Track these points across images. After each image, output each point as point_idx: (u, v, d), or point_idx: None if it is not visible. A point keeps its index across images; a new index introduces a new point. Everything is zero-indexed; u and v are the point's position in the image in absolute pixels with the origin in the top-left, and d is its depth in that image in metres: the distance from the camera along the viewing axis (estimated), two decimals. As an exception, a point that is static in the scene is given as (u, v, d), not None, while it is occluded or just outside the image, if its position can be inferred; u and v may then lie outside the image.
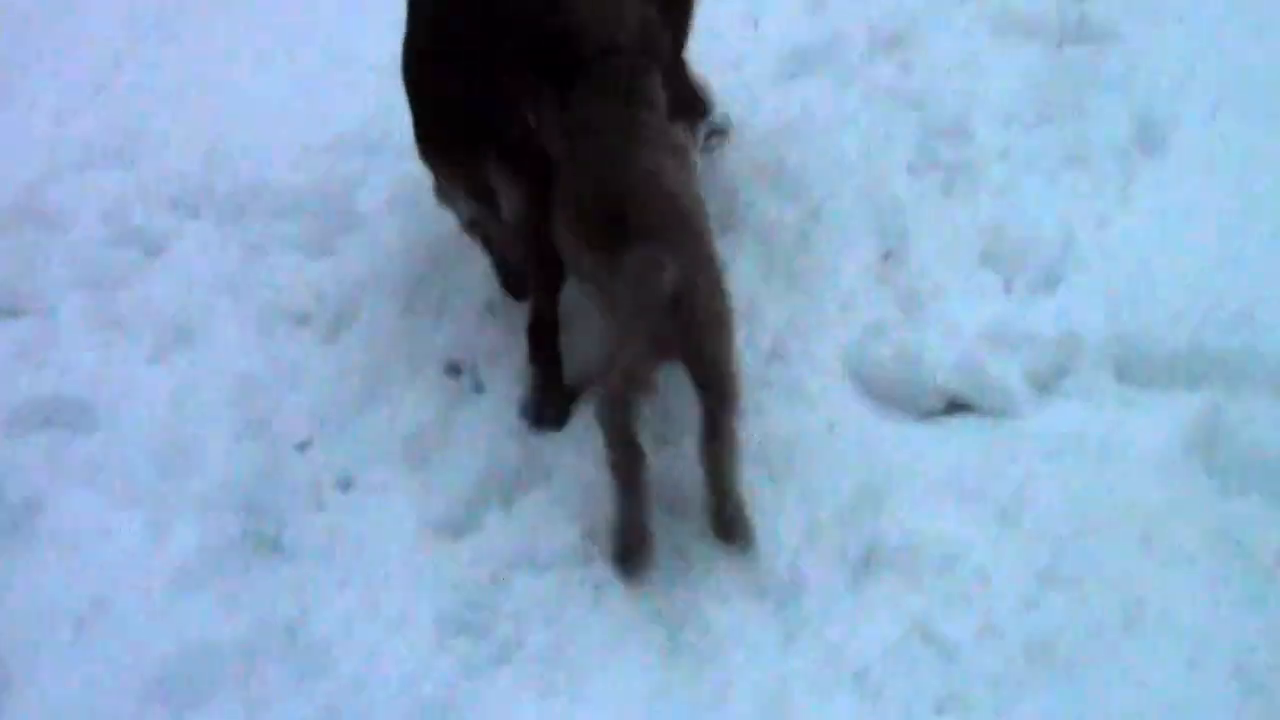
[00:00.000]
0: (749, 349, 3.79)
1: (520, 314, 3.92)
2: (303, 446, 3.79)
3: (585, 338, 3.78)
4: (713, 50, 4.57)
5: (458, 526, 3.56)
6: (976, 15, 4.74)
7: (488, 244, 3.96)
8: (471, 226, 3.87)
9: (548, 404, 3.74)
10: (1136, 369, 3.67)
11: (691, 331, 3.17)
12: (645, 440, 3.32)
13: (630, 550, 3.38)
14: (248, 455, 3.76)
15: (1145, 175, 4.14)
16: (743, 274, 3.95)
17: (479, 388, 3.86)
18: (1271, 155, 4.13)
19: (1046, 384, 3.66)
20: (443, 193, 3.79)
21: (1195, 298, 3.76)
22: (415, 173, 4.35)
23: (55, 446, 3.86)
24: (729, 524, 3.40)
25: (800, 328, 3.83)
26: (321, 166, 4.43)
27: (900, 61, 4.59)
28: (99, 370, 4.02)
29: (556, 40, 3.49)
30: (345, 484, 3.69)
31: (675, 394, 3.44)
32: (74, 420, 3.92)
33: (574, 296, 3.71)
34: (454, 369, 3.91)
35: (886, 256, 4.00)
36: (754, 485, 3.50)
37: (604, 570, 3.43)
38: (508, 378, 3.84)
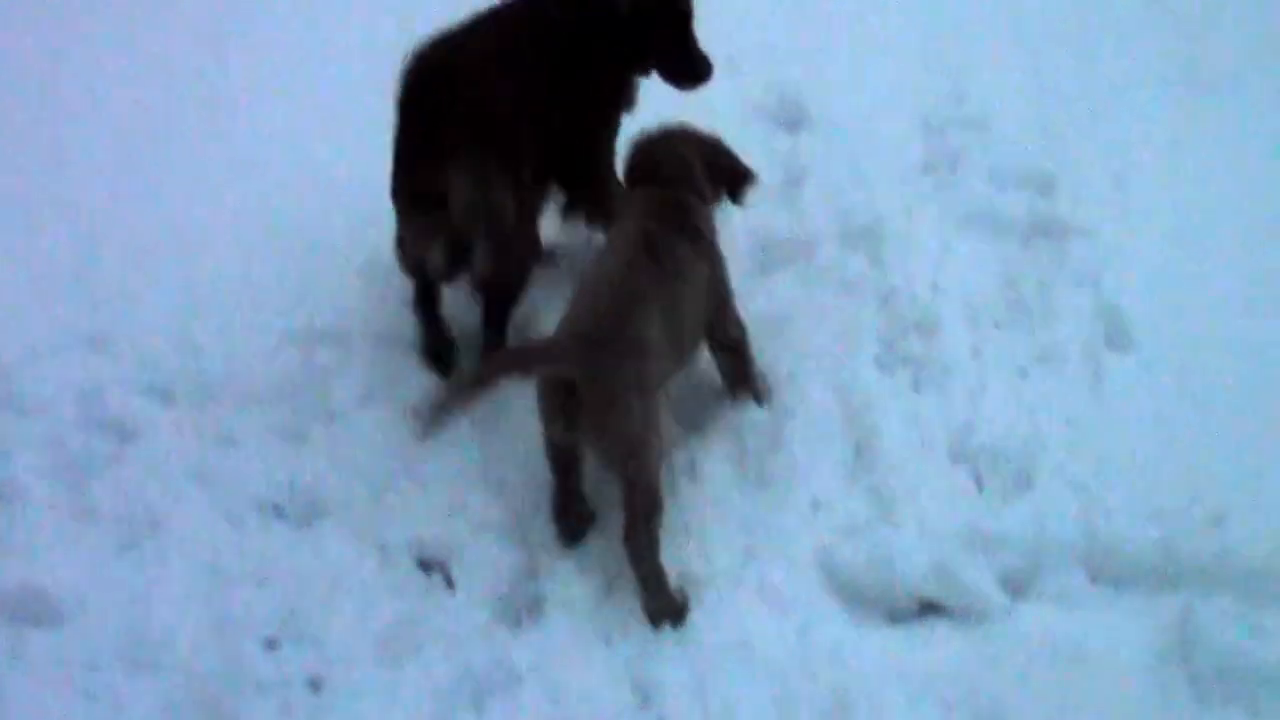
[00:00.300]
0: (722, 549, 3.81)
1: (496, 506, 3.96)
2: (271, 644, 3.72)
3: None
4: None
5: (428, 732, 3.51)
6: (945, 210, 4.84)
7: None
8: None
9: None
10: (1110, 570, 3.69)
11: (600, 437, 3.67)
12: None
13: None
14: (214, 652, 3.69)
15: (1114, 373, 4.21)
16: (715, 474, 3.99)
17: (450, 584, 3.84)
18: (1240, 354, 4.21)
19: (1021, 586, 3.67)
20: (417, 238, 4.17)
21: (1166, 498, 3.81)
22: (390, 364, 4.40)
23: (17, 639, 3.77)
24: (655, 614, 3.69)
25: (773, 528, 3.84)
26: (296, 356, 4.42)
27: (870, 255, 4.67)
28: (66, 560, 3.94)
29: None
30: (314, 684, 3.63)
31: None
32: (38, 612, 3.83)
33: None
34: (426, 564, 3.89)
35: (858, 454, 4.03)
36: (728, 689, 3.49)
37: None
38: (480, 574, 3.82)
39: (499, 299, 4.27)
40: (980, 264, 4.63)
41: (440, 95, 4.07)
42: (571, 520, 3.89)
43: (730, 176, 4.24)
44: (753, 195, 4.33)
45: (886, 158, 5.11)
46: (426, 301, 4.37)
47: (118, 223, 5.01)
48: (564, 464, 3.84)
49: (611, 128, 4.44)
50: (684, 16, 4.37)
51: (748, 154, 4.98)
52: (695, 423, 4.08)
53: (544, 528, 3.86)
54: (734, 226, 4.74)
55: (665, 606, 3.67)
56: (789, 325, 4.41)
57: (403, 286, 4.42)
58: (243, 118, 5.48)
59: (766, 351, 4.29)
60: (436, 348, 4.39)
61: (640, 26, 4.29)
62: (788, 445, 4.02)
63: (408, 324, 4.43)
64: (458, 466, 4.07)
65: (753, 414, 4.12)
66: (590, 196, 4.49)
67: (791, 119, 5.33)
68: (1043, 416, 4.05)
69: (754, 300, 4.47)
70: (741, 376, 4.16)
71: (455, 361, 4.37)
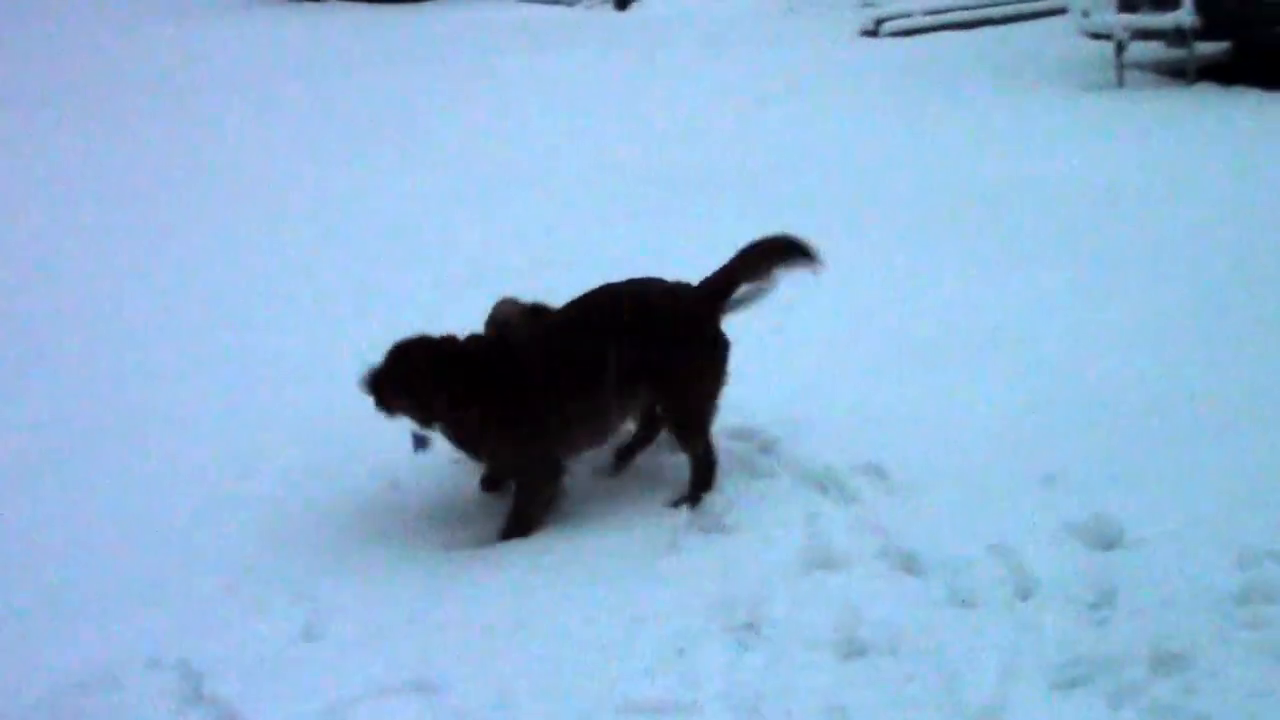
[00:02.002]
0: None
1: None
2: None
3: None
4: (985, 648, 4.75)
5: None
6: (1260, 644, 4.74)
7: None
8: None
9: None
10: None
11: None
12: None
13: None
14: None
15: None
16: None
17: None
18: None
19: None
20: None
21: None
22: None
23: None
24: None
25: None
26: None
27: (1182, 683, 4.59)
28: None
29: None
30: None
31: None
32: None
33: None
34: None
35: None
36: None
37: None
38: None
39: None
40: (1298, 708, 4.51)
41: None
42: None
43: None
44: None
45: (1200, 585, 5.08)
46: None
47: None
48: None
49: None
50: None
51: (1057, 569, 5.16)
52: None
53: None
54: (1040, 643, 4.80)
55: None
56: (1094, 749, 4.37)
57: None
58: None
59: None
60: None
61: None
62: None
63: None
64: None
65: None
66: None
67: (1106, 538, 5.37)
68: None
69: (1059, 717, 4.49)
70: None
71: None
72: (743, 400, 6.23)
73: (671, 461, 6.01)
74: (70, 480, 6.24)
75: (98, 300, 9.09)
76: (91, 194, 11.97)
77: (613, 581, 5.23)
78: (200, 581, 5.42)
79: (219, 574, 5.46)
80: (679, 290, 5.81)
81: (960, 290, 8.34)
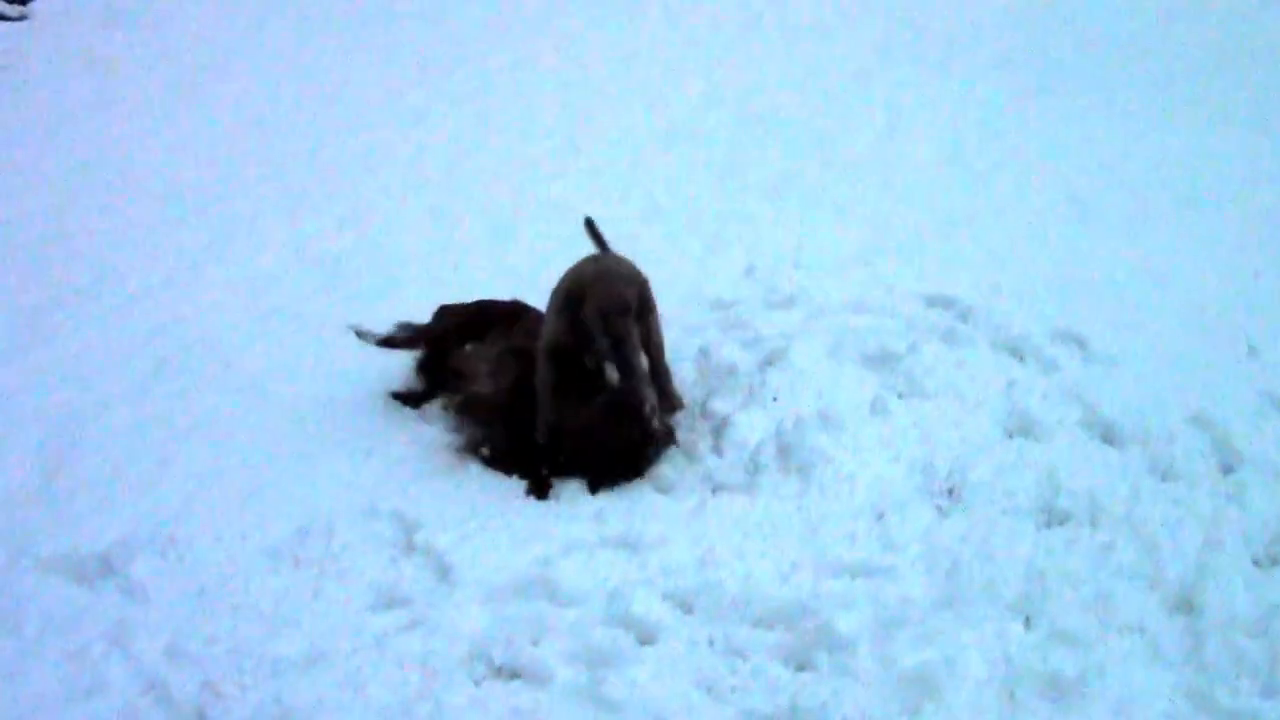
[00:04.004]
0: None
1: None
2: None
3: None
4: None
5: None
6: None
7: None
8: None
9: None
10: None
11: None
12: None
13: None
14: None
15: None
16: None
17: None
18: None
19: None
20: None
21: None
22: (906, 595, 4.59)
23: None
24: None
25: None
26: (807, 583, 4.69)
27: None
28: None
29: None
30: None
31: None
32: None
33: None
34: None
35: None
36: None
37: None
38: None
39: None
40: None
41: None
42: None
43: None
44: None
45: None
46: None
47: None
48: None
49: None
50: None
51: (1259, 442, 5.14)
52: None
53: None
54: (1241, 515, 4.81)
55: None
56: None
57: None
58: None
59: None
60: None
61: None
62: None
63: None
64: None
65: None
66: None
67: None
68: None
69: (1265, 595, 4.51)
70: None
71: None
72: (939, 268, 6.24)
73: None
74: (278, 347, 6.45)
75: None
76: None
77: (814, 445, 5.29)
78: (410, 439, 5.62)
79: (428, 432, 5.66)
80: None
81: (1158, 155, 8.16)
